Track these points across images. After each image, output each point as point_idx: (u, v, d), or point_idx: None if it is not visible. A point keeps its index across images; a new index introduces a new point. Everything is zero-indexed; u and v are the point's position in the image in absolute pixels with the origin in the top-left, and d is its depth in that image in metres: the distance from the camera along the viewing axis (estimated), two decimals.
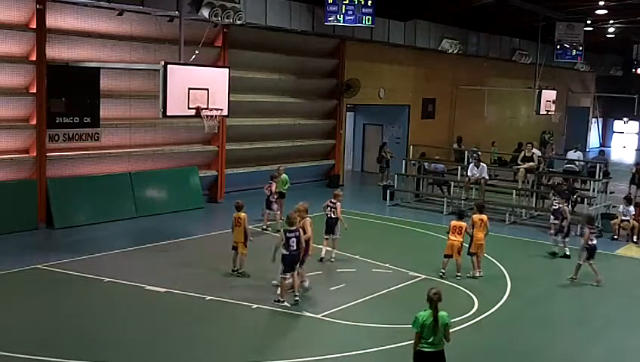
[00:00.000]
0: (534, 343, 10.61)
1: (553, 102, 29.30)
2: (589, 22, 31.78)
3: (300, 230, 11.85)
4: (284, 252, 11.57)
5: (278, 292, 11.84)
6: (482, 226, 13.91)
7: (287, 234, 11.57)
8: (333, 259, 14.50)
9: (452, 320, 11.07)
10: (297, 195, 19.81)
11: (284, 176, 18.51)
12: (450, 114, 32.08)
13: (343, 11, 20.97)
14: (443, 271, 13.75)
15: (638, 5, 25.25)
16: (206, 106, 15.02)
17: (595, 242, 13.92)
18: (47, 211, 16.86)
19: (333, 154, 26.00)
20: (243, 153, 22.31)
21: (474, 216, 14.10)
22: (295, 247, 11.59)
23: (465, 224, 13.81)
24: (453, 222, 13.93)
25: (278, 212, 17.57)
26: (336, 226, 14.64)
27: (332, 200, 14.87)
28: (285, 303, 11.61)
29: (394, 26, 25.24)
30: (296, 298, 11.71)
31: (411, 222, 19.21)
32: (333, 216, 14.63)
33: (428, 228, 18.63)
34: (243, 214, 13.27)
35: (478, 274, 13.87)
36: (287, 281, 11.70)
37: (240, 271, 13.26)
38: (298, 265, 11.83)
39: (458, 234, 13.73)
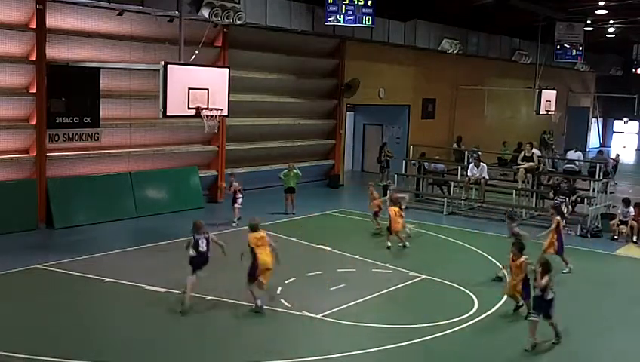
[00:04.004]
0: None
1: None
2: (589, 22, 31.81)
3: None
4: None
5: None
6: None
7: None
8: None
9: (452, 320, 11.22)
10: (297, 195, 19.93)
11: (295, 171, 19.39)
12: (450, 114, 32.08)
13: (343, 11, 20.99)
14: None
15: (638, 5, 25.27)
16: (206, 106, 15.03)
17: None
18: (47, 211, 16.86)
19: (333, 154, 26.00)
20: (243, 153, 22.31)
21: (556, 218, 14.48)
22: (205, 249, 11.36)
23: (523, 260, 11.47)
24: (514, 257, 11.64)
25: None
26: None
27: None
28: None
29: (394, 26, 25.24)
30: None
31: (411, 222, 19.17)
32: None
33: (428, 228, 18.61)
34: None
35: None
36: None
37: None
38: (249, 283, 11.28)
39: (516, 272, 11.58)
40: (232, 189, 18.20)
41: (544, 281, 10.20)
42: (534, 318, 10.33)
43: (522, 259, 11.51)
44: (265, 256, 11.22)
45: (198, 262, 11.40)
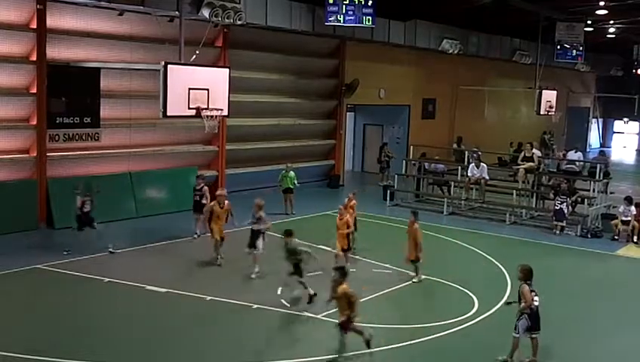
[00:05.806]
0: None
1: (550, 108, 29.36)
2: (589, 22, 31.78)
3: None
4: None
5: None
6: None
7: None
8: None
9: (453, 320, 11.22)
10: (297, 195, 19.92)
11: (291, 173, 19.52)
12: (451, 114, 32.07)
13: (344, 11, 20.99)
14: None
15: (639, 5, 25.25)
16: (206, 106, 15.03)
17: None
18: (48, 211, 16.86)
19: (333, 154, 26.00)
20: (243, 153, 22.31)
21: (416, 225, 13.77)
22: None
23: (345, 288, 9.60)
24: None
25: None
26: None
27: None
28: None
29: (394, 26, 25.24)
30: None
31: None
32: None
33: (428, 228, 18.56)
34: None
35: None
36: None
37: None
38: None
39: None
40: (200, 193, 16.38)
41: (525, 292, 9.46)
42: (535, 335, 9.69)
43: (344, 286, 9.57)
44: (213, 224, 14.28)
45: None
